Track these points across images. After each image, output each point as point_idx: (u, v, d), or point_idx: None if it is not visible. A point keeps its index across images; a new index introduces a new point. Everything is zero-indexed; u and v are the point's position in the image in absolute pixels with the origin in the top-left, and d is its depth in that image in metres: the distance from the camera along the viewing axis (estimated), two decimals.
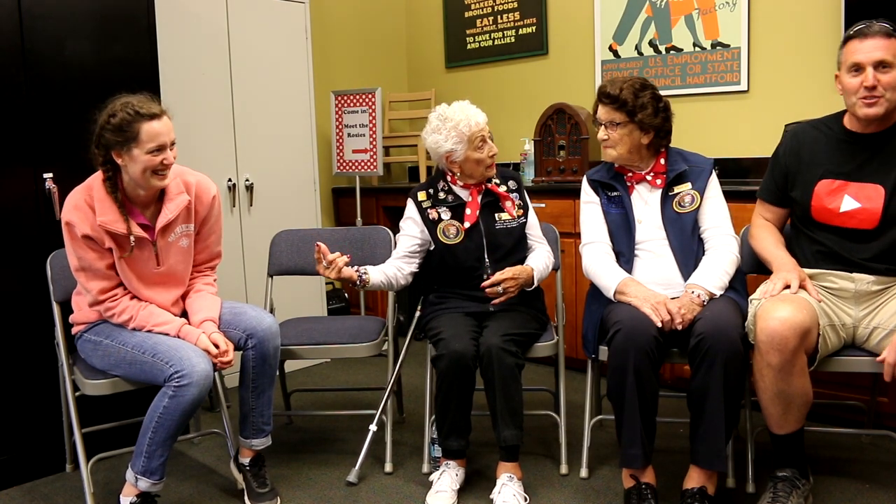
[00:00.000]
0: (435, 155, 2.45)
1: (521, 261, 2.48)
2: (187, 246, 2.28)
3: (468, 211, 2.44)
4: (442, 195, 2.48)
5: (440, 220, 2.45)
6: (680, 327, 2.08)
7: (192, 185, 2.27)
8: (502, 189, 2.49)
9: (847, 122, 2.15)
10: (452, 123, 2.37)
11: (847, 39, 2.06)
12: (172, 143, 2.12)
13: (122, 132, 2.05)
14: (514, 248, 2.46)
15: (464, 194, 2.47)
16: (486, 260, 2.43)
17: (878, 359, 1.96)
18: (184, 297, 2.33)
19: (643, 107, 2.26)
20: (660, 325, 2.07)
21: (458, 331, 2.27)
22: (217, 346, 2.16)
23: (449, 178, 2.50)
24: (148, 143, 2.05)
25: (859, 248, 2.09)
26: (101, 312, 2.19)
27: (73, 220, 2.09)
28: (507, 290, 2.33)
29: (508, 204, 2.47)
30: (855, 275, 2.09)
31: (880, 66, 1.98)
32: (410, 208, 2.50)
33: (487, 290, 2.32)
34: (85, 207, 2.10)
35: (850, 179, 2.09)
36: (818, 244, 2.16)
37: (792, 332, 1.90)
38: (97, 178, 2.14)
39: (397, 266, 2.47)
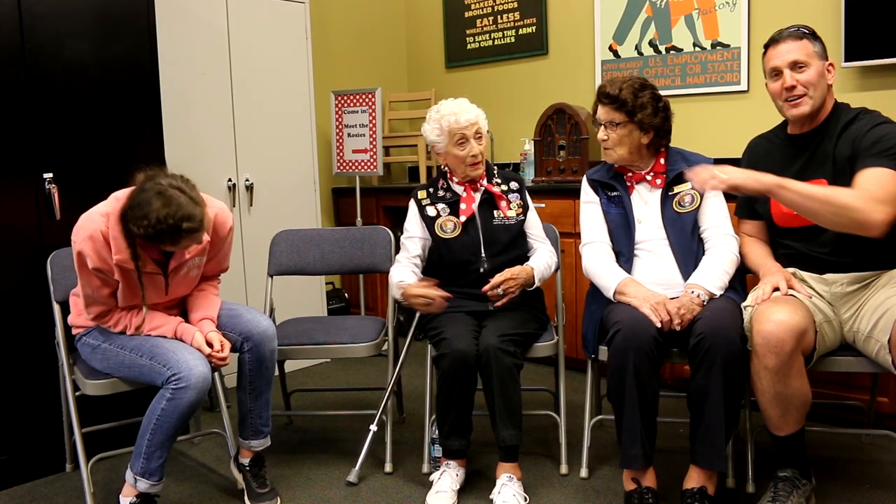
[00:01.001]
0: (429, 146, 2.54)
1: (519, 257, 2.48)
2: (196, 275, 2.27)
3: (463, 206, 2.47)
4: (441, 193, 2.52)
5: (438, 215, 2.48)
6: (679, 328, 2.08)
7: (210, 221, 2.15)
8: (501, 189, 2.50)
9: (789, 127, 2.24)
10: (439, 116, 2.43)
11: (764, 49, 2.19)
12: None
13: (150, 239, 1.96)
14: (511, 243, 2.47)
15: (460, 190, 2.50)
16: (483, 254, 2.43)
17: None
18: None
19: (643, 106, 2.26)
20: (659, 325, 2.07)
21: (460, 330, 2.27)
22: (211, 345, 2.16)
23: (448, 176, 2.52)
24: (171, 248, 2.04)
25: (823, 242, 2.11)
26: (99, 322, 2.19)
27: (86, 251, 2.01)
28: (507, 291, 2.34)
29: (503, 203, 2.49)
30: (827, 276, 2.11)
31: (796, 66, 2.09)
32: (412, 209, 2.53)
33: (489, 293, 2.33)
34: (100, 241, 2.01)
35: (798, 180, 2.09)
36: (787, 248, 2.20)
37: (788, 334, 1.90)
38: (116, 210, 2.01)
39: (413, 271, 2.47)
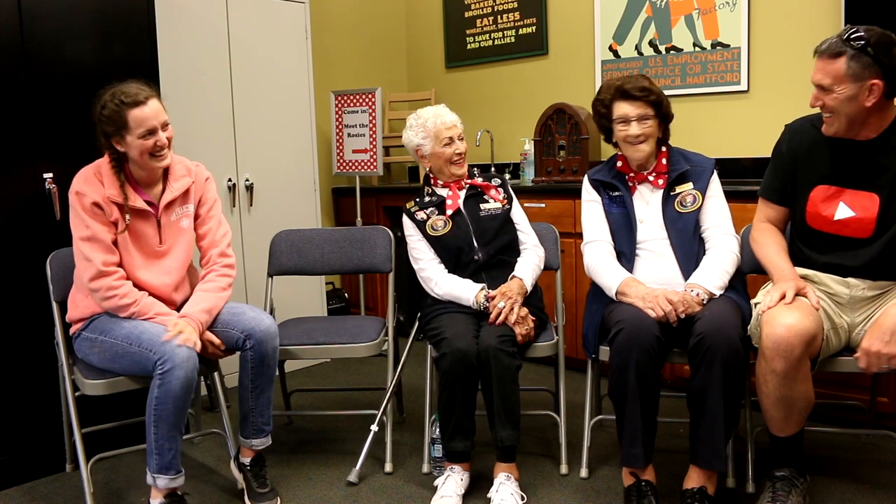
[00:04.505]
0: (410, 152, 2.64)
1: (509, 243, 2.54)
2: (187, 227, 2.34)
3: (449, 202, 2.55)
4: (427, 198, 2.60)
5: (427, 218, 2.55)
6: (682, 315, 2.08)
7: (192, 170, 2.39)
8: (485, 182, 2.62)
9: None
10: (422, 120, 2.56)
11: None
12: (165, 125, 2.19)
13: (113, 122, 2.14)
14: (500, 231, 2.53)
15: (444, 192, 2.59)
16: (475, 244, 2.48)
17: (856, 355, 1.95)
18: (181, 287, 2.35)
19: (664, 99, 2.32)
20: (657, 317, 2.07)
21: (460, 329, 2.27)
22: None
23: (432, 181, 2.62)
24: (137, 128, 2.13)
25: (852, 256, 2.06)
26: (103, 293, 2.16)
27: (84, 190, 2.16)
28: (511, 302, 2.33)
29: (493, 192, 2.59)
30: (850, 280, 2.08)
31: (821, 88, 1.97)
32: (406, 221, 2.60)
33: (497, 318, 2.31)
34: (94, 180, 2.18)
35: (845, 186, 2.06)
36: (812, 249, 2.15)
37: (798, 339, 1.88)
38: (105, 157, 2.23)
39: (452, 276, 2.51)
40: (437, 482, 2.31)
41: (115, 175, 2.19)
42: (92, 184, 2.17)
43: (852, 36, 1.92)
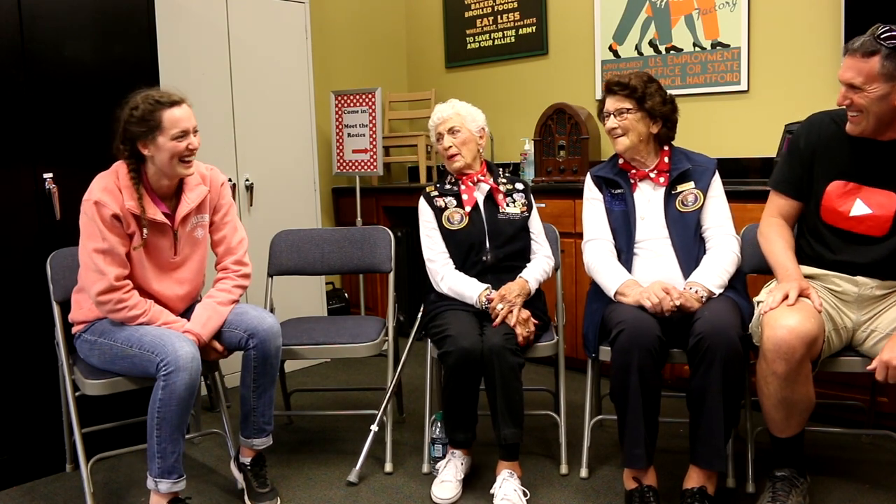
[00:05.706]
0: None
1: (521, 249, 2.53)
2: (202, 237, 2.33)
3: (465, 197, 2.54)
4: (448, 186, 2.59)
5: (445, 207, 2.54)
6: (678, 303, 2.09)
7: (207, 177, 2.35)
8: (507, 188, 2.58)
9: None
10: None
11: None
12: (195, 130, 2.19)
13: (146, 122, 2.11)
14: (515, 236, 2.51)
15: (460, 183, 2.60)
16: (487, 245, 2.47)
17: (871, 366, 1.90)
18: (193, 294, 2.37)
19: (651, 95, 2.30)
20: (652, 306, 2.08)
21: (465, 327, 2.28)
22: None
23: None
24: (171, 129, 2.11)
25: (864, 254, 2.06)
26: (112, 305, 2.13)
27: (104, 200, 2.11)
28: (510, 305, 2.34)
29: (500, 197, 2.54)
30: (858, 278, 2.07)
31: (851, 86, 1.95)
32: (422, 203, 2.58)
33: (497, 317, 2.32)
34: (115, 189, 2.14)
35: (862, 183, 2.05)
36: (822, 245, 2.13)
37: (799, 341, 1.88)
38: (122, 165, 2.18)
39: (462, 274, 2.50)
40: (439, 465, 2.35)
41: (133, 185, 2.15)
42: (112, 194, 2.12)
43: (885, 35, 1.90)
